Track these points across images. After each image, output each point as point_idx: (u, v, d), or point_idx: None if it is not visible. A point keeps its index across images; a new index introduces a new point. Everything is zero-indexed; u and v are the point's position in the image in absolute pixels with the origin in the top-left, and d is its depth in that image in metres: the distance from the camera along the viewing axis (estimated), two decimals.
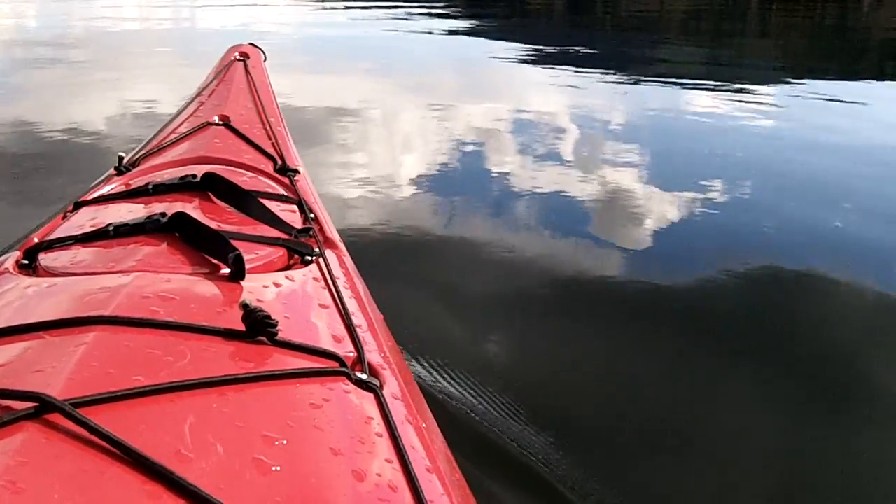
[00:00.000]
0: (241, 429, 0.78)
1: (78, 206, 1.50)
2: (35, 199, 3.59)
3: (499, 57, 9.46)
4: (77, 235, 1.26)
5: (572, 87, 7.50)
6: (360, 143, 5.09)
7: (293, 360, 0.93)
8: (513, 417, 2.01)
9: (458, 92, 7.10)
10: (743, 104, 6.71)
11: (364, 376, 0.94)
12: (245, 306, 0.95)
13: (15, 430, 0.71)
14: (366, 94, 6.56)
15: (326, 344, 1.01)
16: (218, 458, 0.73)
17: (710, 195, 4.03)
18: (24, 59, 8.43)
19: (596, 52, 10.86)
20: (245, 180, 1.61)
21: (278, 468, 0.73)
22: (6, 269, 1.18)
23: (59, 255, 1.22)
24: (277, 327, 0.94)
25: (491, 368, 2.26)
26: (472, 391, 2.11)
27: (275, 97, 2.42)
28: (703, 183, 4.22)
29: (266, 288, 1.12)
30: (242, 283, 1.10)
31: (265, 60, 2.78)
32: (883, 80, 9.17)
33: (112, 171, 1.73)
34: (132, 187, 1.56)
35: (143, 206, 1.42)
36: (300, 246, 1.31)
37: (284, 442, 0.77)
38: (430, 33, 11.62)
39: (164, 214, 1.26)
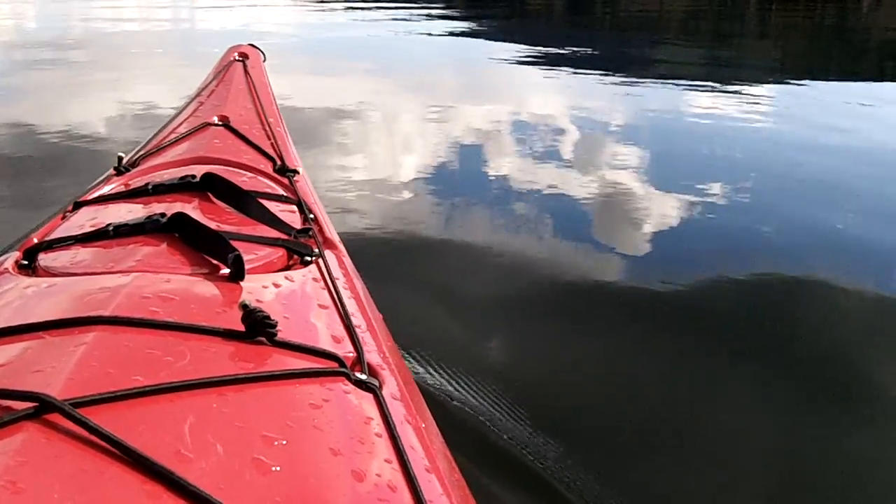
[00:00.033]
0: (241, 429, 0.78)
1: (77, 206, 1.50)
2: (34, 199, 3.59)
3: (499, 58, 9.46)
4: (77, 235, 1.26)
5: (572, 87, 7.51)
6: (360, 143, 5.09)
7: (293, 360, 0.93)
8: (512, 417, 2.01)
9: (457, 93, 7.10)
10: (742, 105, 6.72)
11: (363, 376, 0.95)
12: (244, 307, 0.95)
13: (15, 430, 0.71)
14: (365, 95, 6.56)
15: (326, 344, 1.01)
16: (218, 458, 0.73)
17: (710, 196, 4.03)
18: (24, 59, 8.43)
19: (595, 52, 10.87)
20: (244, 181, 1.61)
21: (278, 468, 0.73)
22: (6, 269, 1.18)
23: (58, 255, 1.22)
24: (277, 328, 0.94)
25: (491, 369, 2.25)
26: (471, 391, 2.11)
27: (274, 98, 2.42)
28: (703, 184, 4.22)
29: (265, 288, 1.12)
30: (242, 283, 1.10)
31: (265, 61, 2.78)
32: (883, 80, 9.18)
33: (111, 171, 1.73)
34: (132, 187, 1.56)
35: (142, 206, 1.42)
36: (299, 246, 1.31)
37: (284, 442, 0.77)
38: (429, 34, 11.62)
39: (163, 215, 1.26)
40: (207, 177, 1.48)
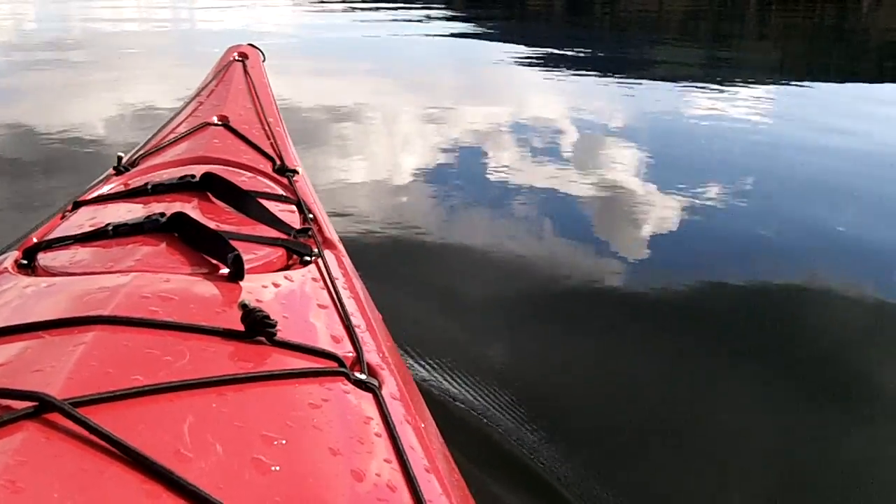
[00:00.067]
0: (241, 429, 0.78)
1: (77, 205, 1.50)
2: (33, 199, 3.59)
3: (498, 58, 9.46)
4: (76, 235, 1.26)
5: (571, 88, 7.51)
6: (359, 143, 5.09)
7: (292, 360, 0.93)
8: (512, 417, 2.01)
9: (457, 93, 7.10)
10: (742, 105, 6.72)
11: (363, 376, 0.94)
12: (244, 306, 0.94)
13: (14, 429, 0.71)
14: (365, 95, 6.56)
15: (325, 344, 1.01)
16: (217, 457, 0.73)
17: (710, 196, 4.03)
18: (24, 59, 8.43)
19: (595, 53, 10.86)
20: (244, 180, 1.61)
21: (277, 468, 0.73)
22: (5, 268, 1.18)
23: (58, 254, 1.22)
24: (276, 327, 0.94)
25: (490, 368, 2.25)
26: (471, 391, 2.11)
27: (274, 98, 2.42)
28: (703, 184, 4.22)
29: (265, 288, 1.12)
30: (241, 283, 1.10)
31: (264, 61, 2.78)
32: (883, 81, 9.18)
33: (111, 170, 1.73)
34: (131, 187, 1.56)
35: (142, 205, 1.42)
36: (299, 246, 1.31)
37: (283, 442, 0.77)
38: (428, 35, 11.62)
39: (163, 214, 1.26)
40: (207, 176, 1.48)
